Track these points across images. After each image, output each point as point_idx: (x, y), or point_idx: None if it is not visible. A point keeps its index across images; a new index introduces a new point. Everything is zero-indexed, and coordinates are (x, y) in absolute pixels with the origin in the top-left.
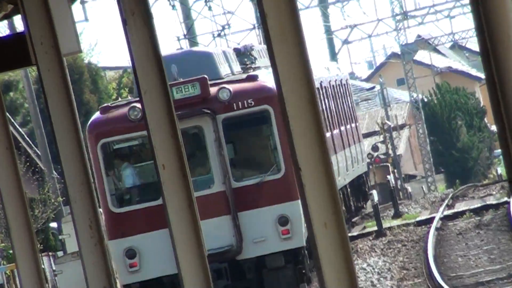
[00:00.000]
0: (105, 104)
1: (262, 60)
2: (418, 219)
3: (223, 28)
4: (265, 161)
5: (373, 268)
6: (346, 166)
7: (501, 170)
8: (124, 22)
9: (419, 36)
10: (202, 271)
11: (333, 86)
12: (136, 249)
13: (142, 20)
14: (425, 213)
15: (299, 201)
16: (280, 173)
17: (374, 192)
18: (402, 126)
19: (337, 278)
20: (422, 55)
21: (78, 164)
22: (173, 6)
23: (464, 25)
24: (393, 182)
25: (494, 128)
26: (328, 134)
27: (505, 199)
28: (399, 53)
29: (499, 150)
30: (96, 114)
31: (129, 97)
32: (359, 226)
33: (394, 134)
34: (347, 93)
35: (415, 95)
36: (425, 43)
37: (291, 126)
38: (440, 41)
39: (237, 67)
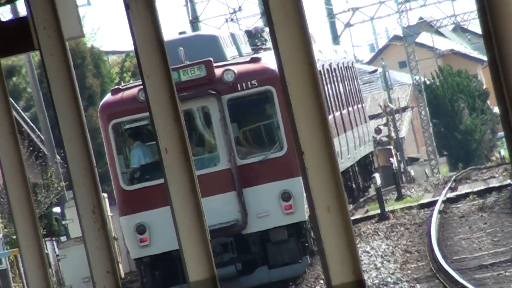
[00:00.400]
0: (116, 86)
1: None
2: (421, 202)
3: (235, 11)
4: (268, 139)
5: (376, 251)
6: (354, 145)
7: (504, 152)
8: (127, 7)
9: (421, 18)
10: (205, 254)
11: (340, 68)
12: (146, 224)
13: (145, 4)
14: (428, 196)
15: (301, 177)
16: (282, 151)
17: (377, 175)
18: (404, 109)
19: (340, 261)
20: (424, 38)
21: (81, 149)
22: None
23: (466, 7)
24: (396, 165)
25: (496, 110)
26: (337, 114)
27: (508, 181)
28: (401, 35)
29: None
30: (108, 96)
31: (132, 81)
32: (362, 209)
33: (397, 116)
34: (354, 76)
35: (417, 77)
36: (427, 26)
37: (294, 109)
38: (442, 24)
39: (247, 49)
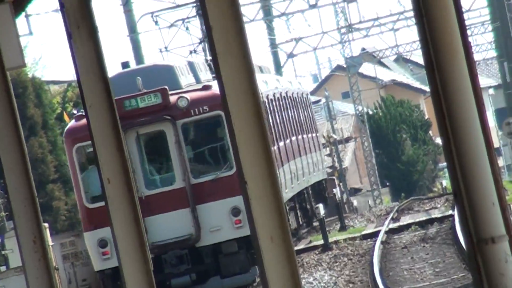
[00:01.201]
0: (80, 113)
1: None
2: (363, 232)
3: (200, 41)
4: (219, 160)
5: (319, 282)
6: (308, 170)
7: (446, 183)
8: (69, 36)
9: (363, 49)
10: (147, 284)
11: (295, 98)
12: (108, 239)
13: (88, 33)
14: (371, 227)
15: None
16: (232, 170)
17: (320, 205)
18: (347, 139)
19: None
20: (367, 68)
21: (22, 179)
22: (156, 22)
23: (408, 37)
24: (339, 196)
25: (438, 140)
26: (288, 141)
27: (450, 212)
28: (344, 66)
29: (444, 163)
30: (72, 122)
31: (74, 111)
32: (305, 240)
33: (340, 147)
34: (307, 106)
35: (360, 108)
36: (370, 56)
37: (237, 139)
38: (384, 54)
39: (207, 76)
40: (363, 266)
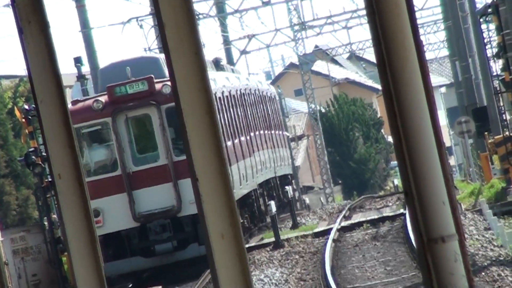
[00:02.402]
0: (76, 99)
1: (210, 65)
2: (315, 230)
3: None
4: None
5: (270, 279)
6: (275, 162)
7: (397, 181)
8: (20, 31)
9: (316, 46)
10: (98, 282)
11: (264, 96)
12: (100, 209)
13: (39, 28)
14: (323, 225)
15: None
16: None
17: (272, 203)
18: (300, 137)
19: None
20: (320, 66)
21: None
22: (141, 26)
23: (361, 36)
24: (291, 193)
25: (390, 139)
26: (256, 133)
27: (401, 210)
28: (297, 63)
29: (396, 162)
30: (69, 106)
31: (26, 106)
32: (257, 237)
33: (293, 145)
34: (274, 106)
35: (313, 105)
36: (323, 54)
37: (189, 136)
38: (337, 52)
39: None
40: (315, 263)
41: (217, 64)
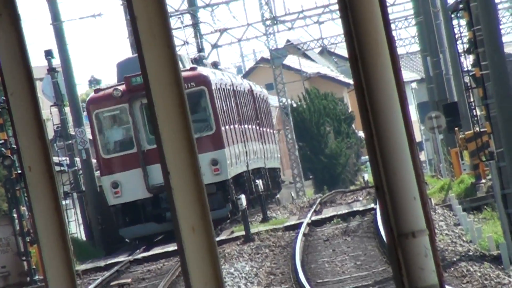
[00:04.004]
0: (97, 87)
1: (208, 66)
2: (286, 224)
3: (185, 43)
4: (202, 122)
5: (240, 273)
6: (265, 154)
7: (367, 176)
8: None
9: (288, 41)
10: (68, 274)
11: (257, 96)
12: (119, 182)
13: (10, 21)
14: (293, 219)
15: (225, 149)
16: (212, 131)
17: (243, 196)
18: None
19: (204, 282)
20: (292, 60)
21: None
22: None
23: (333, 30)
24: (262, 187)
25: (361, 134)
26: (247, 126)
27: (372, 205)
28: (269, 58)
29: (366, 157)
30: (92, 94)
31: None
32: (227, 230)
33: None
34: (265, 107)
35: (284, 100)
36: (295, 48)
37: (160, 130)
38: (309, 46)
39: (189, 65)
40: (285, 258)
41: (215, 66)
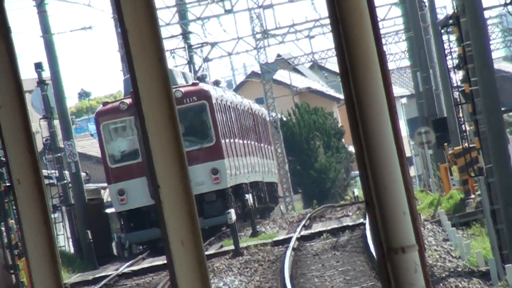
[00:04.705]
0: (105, 101)
1: (210, 83)
2: (275, 239)
3: (188, 62)
4: (203, 134)
5: (229, 287)
6: (263, 169)
7: (357, 191)
8: None
9: (279, 55)
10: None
11: (256, 114)
12: (125, 189)
13: (0, 33)
14: (283, 233)
15: (225, 160)
16: (212, 142)
17: (232, 210)
18: None
19: None
20: (282, 75)
21: None
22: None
23: (323, 45)
24: (251, 202)
25: (351, 148)
26: (246, 141)
27: (361, 220)
28: (259, 72)
29: (356, 171)
30: (100, 107)
31: None
32: (217, 244)
33: None
34: (264, 124)
35: (274, 114)
36: (285, 63)
37: (151, 143)
38: (299, 61)
39: (192, 81)
40: (274, 272)
41: (217, 84)
